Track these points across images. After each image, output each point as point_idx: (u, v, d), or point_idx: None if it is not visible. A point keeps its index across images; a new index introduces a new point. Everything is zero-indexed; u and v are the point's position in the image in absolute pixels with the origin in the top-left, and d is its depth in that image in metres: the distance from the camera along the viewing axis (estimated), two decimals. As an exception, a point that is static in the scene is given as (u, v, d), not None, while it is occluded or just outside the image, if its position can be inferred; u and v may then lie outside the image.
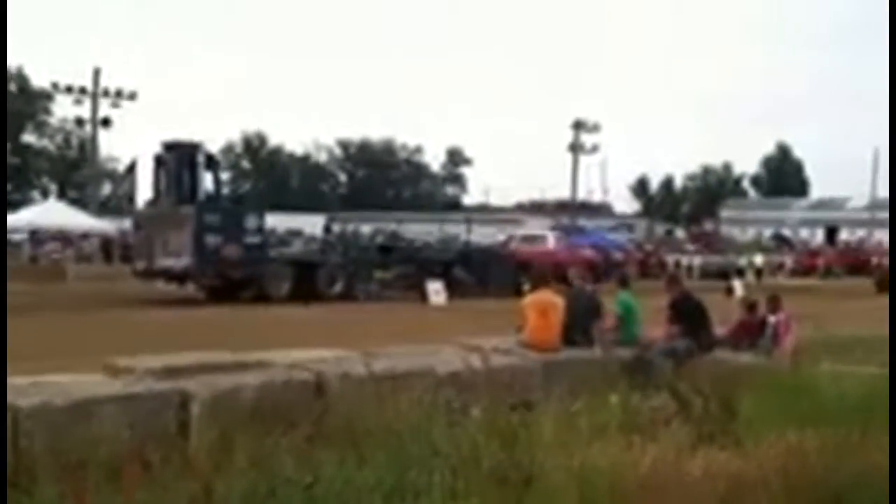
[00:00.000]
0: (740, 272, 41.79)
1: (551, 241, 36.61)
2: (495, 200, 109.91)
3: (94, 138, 47.59)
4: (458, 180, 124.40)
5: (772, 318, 11.04)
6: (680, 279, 12.33)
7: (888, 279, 35.90)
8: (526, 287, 18.06)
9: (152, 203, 25.15)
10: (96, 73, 45.21)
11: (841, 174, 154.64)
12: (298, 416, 6.56)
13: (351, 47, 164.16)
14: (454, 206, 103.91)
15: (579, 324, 10.09)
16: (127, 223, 31.13)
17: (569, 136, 61.71)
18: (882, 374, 8.12)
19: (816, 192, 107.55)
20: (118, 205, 32.73)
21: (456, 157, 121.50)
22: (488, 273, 27.78)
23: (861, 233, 68.79)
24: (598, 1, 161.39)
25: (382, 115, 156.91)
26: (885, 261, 41.99)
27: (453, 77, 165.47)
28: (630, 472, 5.18)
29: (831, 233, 79.61)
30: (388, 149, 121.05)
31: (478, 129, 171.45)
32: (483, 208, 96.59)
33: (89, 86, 45.27)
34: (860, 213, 74.90)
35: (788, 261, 53.93)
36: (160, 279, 24.35)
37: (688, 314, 10.40)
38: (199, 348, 9.04)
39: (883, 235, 50.70)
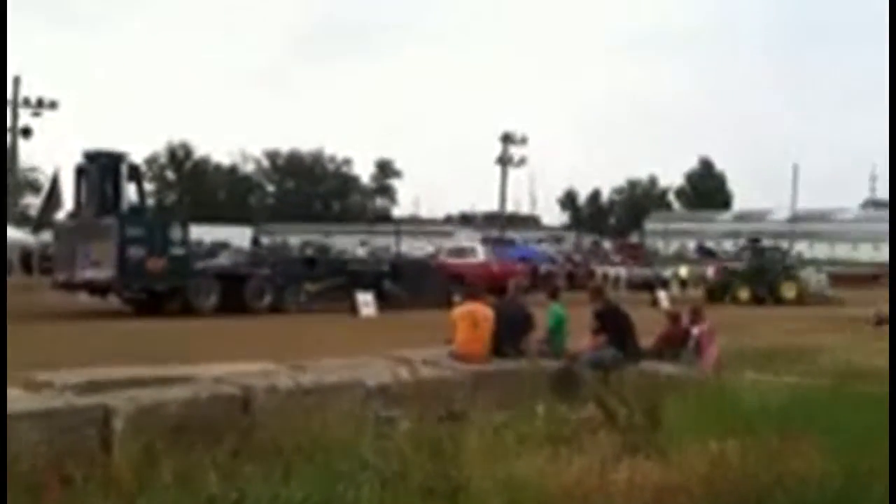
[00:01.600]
0: (665, 283, 42.43)
1: (480, 253, 36.75)
2: (425, 213, 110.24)
3: (14, 148, 46.41)
4: (388, 192, 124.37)
5: (695, 330, 11.21)
6: (603, 290, 12.43)
7: (721, 288, 37.10)
8: (457, 299, 18.15)
9: (74, 214, 24.59)
10: (16, 82, 44.15)
11: (762, 187, 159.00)
12: (224, 430, 6.47)
13: (279, 58, 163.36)
14: (384, 218, 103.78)
15: (509, 336, 10.13)
16: (47, 235, 30.32)
17: (497, 148, 62.08)
18: (799, 382, 8.35)
19: (738, 204, 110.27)
20: (44, 219, 31.79)
21: (385, 169, 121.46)
22: (419, 285, 27.72)
23: (783, 244, 70.50)
24: (526, 16, 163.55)
25: (311, 126, 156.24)
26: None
27: (383, 89, 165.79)
28: (556, 482, 5.23)
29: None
30: (316, 160, 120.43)
31: (407, 142, 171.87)
32: (413, 220, 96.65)
33: (9, 94, 44.16)
34: (781, 225, 76.80)
35: (711, 272, 55.00)
36: (82, 291, 23.82)
37: (613, 325, 10.48)
38: (124, 362, 8.88)
39: (802, 246, 51.80)
